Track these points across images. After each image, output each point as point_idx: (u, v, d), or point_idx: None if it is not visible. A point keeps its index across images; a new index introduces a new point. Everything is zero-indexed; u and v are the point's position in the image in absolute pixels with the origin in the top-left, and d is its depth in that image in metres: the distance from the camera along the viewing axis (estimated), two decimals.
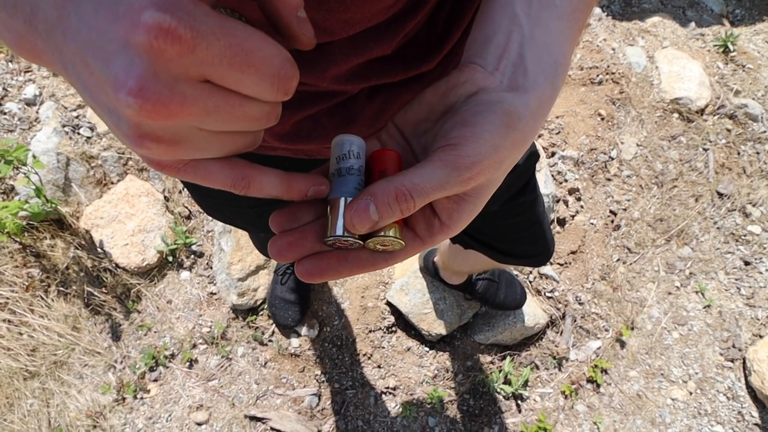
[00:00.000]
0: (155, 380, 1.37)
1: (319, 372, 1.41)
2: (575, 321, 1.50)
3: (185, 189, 1.54)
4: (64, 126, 1.50)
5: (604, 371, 1.48)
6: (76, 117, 1.53)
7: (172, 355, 1.39)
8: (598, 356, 1.49)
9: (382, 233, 0.27)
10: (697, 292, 1.58)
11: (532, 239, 0.73)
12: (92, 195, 1.50)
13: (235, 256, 1.39)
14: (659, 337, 1.53)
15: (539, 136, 1.59)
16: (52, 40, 0.19)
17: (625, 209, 1.62)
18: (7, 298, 1.45)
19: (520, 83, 0.27)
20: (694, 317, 1.54)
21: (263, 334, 1.41)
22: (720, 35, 1.80)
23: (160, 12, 0.16)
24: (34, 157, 1.25)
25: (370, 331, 1.45)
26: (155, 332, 1.42)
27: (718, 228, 1.63)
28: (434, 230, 0.29)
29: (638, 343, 1.53)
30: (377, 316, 1.45)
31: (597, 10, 1.86)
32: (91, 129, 1.53)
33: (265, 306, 1.42)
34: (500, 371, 1.43)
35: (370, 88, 0.43)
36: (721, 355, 1.51)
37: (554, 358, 1.48)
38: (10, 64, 1.58)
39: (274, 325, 1.42)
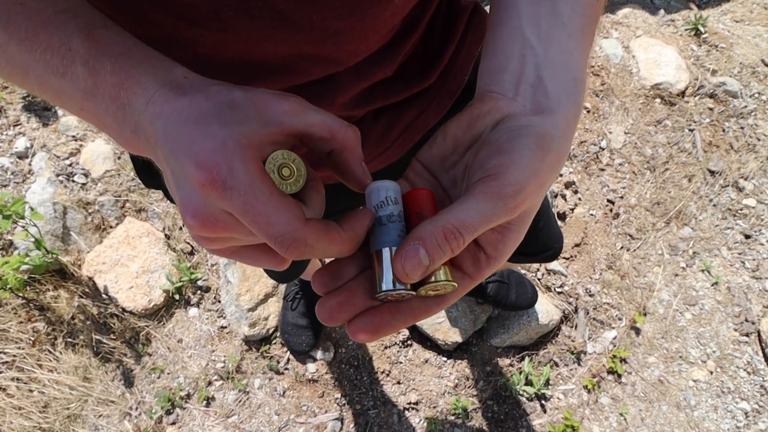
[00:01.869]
0: (173, 423, 1.28)
1: (339, 395, 1.33)
2: (588, 313, 1.43)
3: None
4: (58, 175, 1.43)
5: (623, 360, 1.41)
6: (70, 165, 1.46)
7: (188, 396, 1.30)
8: (615, 346, 1.42)
9: (433, 278, 0.25)
10: (703, 271, 1.52)
11: (541, 235, 0.68)
12: (92, 241, 1.42)
13: (242, 287, 1.31)
14: (672, 320, 1.47)
15: None
16: (150, 151, 0.24)
17: (621, 197, 1.57)
18: (14, 356, 1.36)
19: (543, 105, 0.26)
20: (704, 296, 1.49)
21: (278, 362, 1.33)
22: (690, 19, 1.77)
23: (212, 164, 0.21)
24: (31, 209, 1.18)
25: (386, 347, 1.38)
26: (168, 374, 1.34)
27: (714, 205, 1.59)
28: (481, 265, 0.27)
29: (653, 328, 1.46)
30: None
31: None
32: (86, 175, 1.46)
33: (278, 334, 1.34)
34: (520, 373, 1.35)
35: (374, 111, 0.44)
36: (736, 330, 1.45)
37: (572, 353, 1.41)
38: None
39: (288, 352, 1.34)
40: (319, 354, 1.32)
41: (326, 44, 0.33)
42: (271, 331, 1.34)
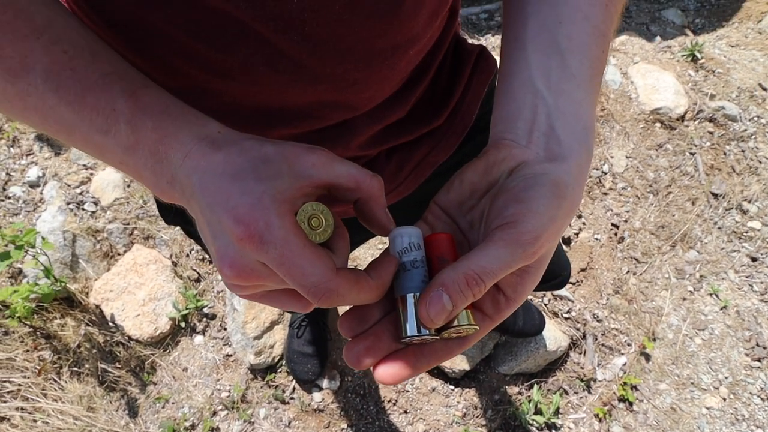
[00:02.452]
0: None
1: (345, 425, 1.30)
2: (596, 339, 1.40)
3: (192, 252, 1.47)
4: (68, 203, 1.44)
5: (634, 388, 1.38)
6: (80, 193, 1.47)
7: (192, 426, 1.27)
8: (625, 373, 1.39)
9: (456, 323, 0.25)
10: (711, 294, 1.49)
11: (549, 264, 0.67)
12: (100, 269, 1.42)
13: (248, 315, 1.30)
14: (683, 345, 1.43)
15: None
16: (185, 201, 0.25)
17: (626, 221, 1.56)
18: (20, 385, 1.34)
19: (556, 153, 0.27)
20: (713, 320, 1.46)
21: (284, 392, 1.30)
22: (686, 45, 1.80)
23: (250, 220, 0.22)
24: (43, 239, 1.18)
25: None
26: (173, 403, 1.31)
27: (719, 228, 1.57)
28: (500, 306, 0.28)
29: (663, 354, 1.43)
30: None
31: None
32: (95, 203, 1.47)
33: (283, 362, 1.32)
34: (530, 401, 1.32)
35: (387, 150, 0.45)
36: (747, 355, 1.41)
37: (582, 380, 1.37)
38: (11, 149, 1.54)
39: (294, 381, 1.32)
40: (325, 383, 1.30)
41: (345, 92, 0.35)
42: (276, 360, 1.32)
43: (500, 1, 2.23)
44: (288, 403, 1.29)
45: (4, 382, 1.34)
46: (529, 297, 1.37)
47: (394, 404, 1.32)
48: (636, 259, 1.53)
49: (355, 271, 0.25)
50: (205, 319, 1.39)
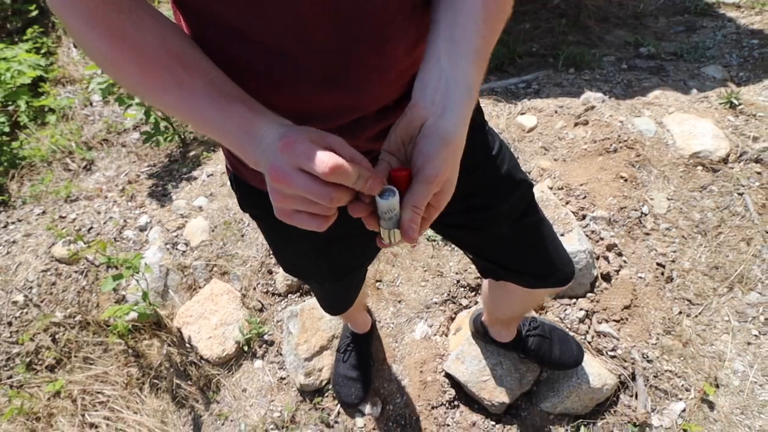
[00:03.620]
0: None
1: None
2: (648, 381, 1.32)
3: (258, 285, 1.67)
4: (166, 244, 1.74)
5: None
6: (176, 236, 1.77)
7: None
8: (685, 420, 1.28)
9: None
10: None
11: (550, 258, 0.75)
12: (184, 298, 1.66)
13: (302, 338, 1.43)
14: (751, 394, 1.30)
15: (567, 203, 1.60)
16: (255, 158, 0.41)
17: (673, 261, 1.52)
18: (109, 396, 1.54)
19: (447, 107, 0.41)
20: None
21: (329, 415, 1.37)
22: (723, 94, 1.83)
23: (287, 136, 0.38)
24: (145, 264, 1.45)
25: (433, 408, 1.36)
26: (231, 421, 1.42)
27: None
28: (431, 211, 0.44)
29: (729, 402, 1.30)
30: (437, 390, 1.37)
31: (599, 94, 1.99)
32: (186, 244, 1.76)
33: (330, 386, 1.40)
34: None
35: None
36: None
37: (635, 425, 1.28)
38: (129, 202, 1.92)
39: (339, 405, 1.38)
40: (367, 408, 1.35)
41: (356, 95, 0.51)
42: (324, 383, 1.41)
43: (536, 72, 2.45)
44: (332, 426, 1.35)
45: (98, 393, 1.55)
46: (565, 326, 1.36)
47: None
48: (689, 301, 1.46)
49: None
50: (264, 345, 1.54)
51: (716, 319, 1.43)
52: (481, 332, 1.26)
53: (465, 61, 0.43)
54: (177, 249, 1.73)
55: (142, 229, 1.79)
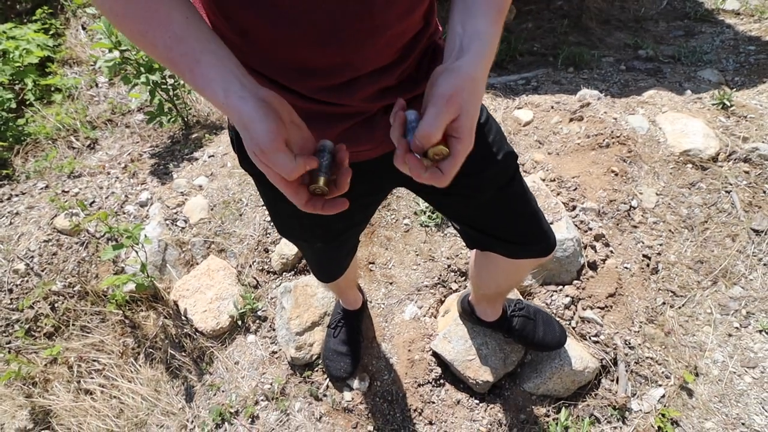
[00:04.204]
0: None
1: (371, 428, 1.34)
2: (629, 366, 1.36)
3: (254, 263, 1.70)
4: (166, 220, 1.78)
5: (675, 423, 1.29)
6: (175, 213, 1.81)
7: (237, 412, 1.40)
8: (664, 406, 1.31)
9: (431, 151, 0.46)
10: (760, 332, 1.40)
11: (533, 226, 0.78)
12: (181, 273, 1.69)
13: (294, 312, 1.46)
14: (730, 383, 1.33)
15: (558, 194, 1.64)
16: (233, 111, 0.44)
17: (659, 253, 1.55)
18: (104, 365, 1.58)
19: (460, 55, 0.46)
20: (764, 358, 1.35)
21: (318, 388, 1.40)
22: (716, 95, 1.87)
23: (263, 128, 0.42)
24: (146, 236, 1.49)
25: (419, 385, 1.40)
26: (223, 391, 1.46)
27: (765, 264, 1.50)
28: (455, 146, 0.46)
29: (708, 390, 1.34)
30: (424, 369, 1.41)
31: (595, 92, 2.03)
32: (186, 221, 1.79)
33: (320, 361, 1.44)
34: (557, 424, 1.29)
35: (384, 107, 0.63)
36: None
37: (614, 408, 1.32)
38: (131, 179, 1.96)
39: (328, 379, 1.42)
40: (355, 383, 1.38)
41: (348, 56, 0.54)
42: (314, 358, 1.44)
43: (536, 70, 2.48)
44: (321, 399, 1.38)
45: (94, 360, 1.59)
46: (550, 311, 1.40)
47: (420, 414, 1.35)
48: (673, 292, 1.50)
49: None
50: (258, 321, 1.58)
51: (699, 311, 1.47)
52: (468, 311, 1.29)
53: (476, 19, 0.47)
54: (176, 225, 1.77)
55: (142, 205, 1.83)
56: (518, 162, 0.78)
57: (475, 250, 1.00)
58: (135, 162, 2.08)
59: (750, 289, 1.47)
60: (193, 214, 1.79)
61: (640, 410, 1.31)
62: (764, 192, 1.59)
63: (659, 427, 1.27)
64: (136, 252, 1.48)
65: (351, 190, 0.49)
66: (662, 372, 1.36)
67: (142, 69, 1.90)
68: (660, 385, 1.34)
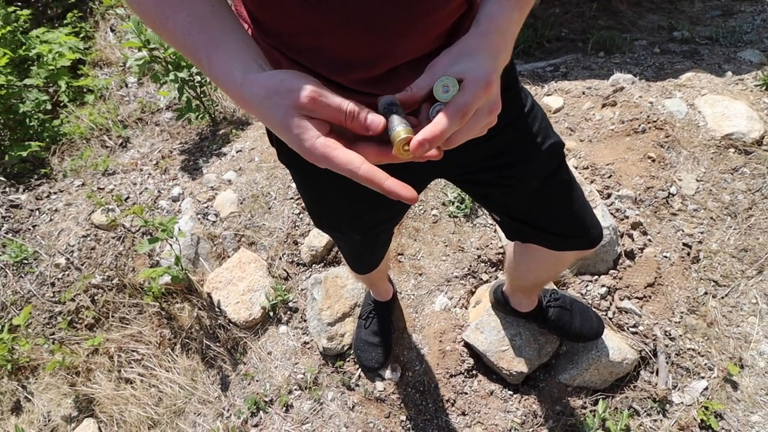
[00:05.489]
0: (256, 425, 1.41)
1: (404, 418, 1.36)
2: (669, 358, 1.33)
3: (284, 255, 1.74)
4: (197, 214, 1.83)
5: (719, 416, 1.25)
6: (206, 207, 1.86)
7: (271, 401, 1.44)
8: (707, 398, 1.28)
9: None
10: None
11: (579, 218, 0.77)
12: (214, 266, 1.74)
13: (325, 303, 1.49)
14: None
15: (591, 182, 1.61)
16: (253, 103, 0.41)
17: (700, 242, 1.51)
18: (143, 355, 1.65)
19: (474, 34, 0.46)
20: None
21: (350, 378, 1.43)
22: (760, 76, 1.79)
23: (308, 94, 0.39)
24: (179, 229, 1.54)
25: (451, 376, 1.40)
26: (257, 381, 1.50)
27: None
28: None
29: (754, 383, 1.29)
30: (456, 359, 1.41)
31: (629, 76, 1.98)
32: (216, 215, 1.84)
33: (351, 351, 1.46)
34: (594, 416, 1.27)
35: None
36: None
37: (654, 401, 1.29)
38: (162, 175, 2.02)
39: (359, 369, 1.44)
40: (387, 373, 1.40)
41: (387, 44, 0.53)
42: (345, 348, 1.46)
43: (565, 56, 2.43)
44: (353, 389, 1.41)
45: (133, 351, 1.65)
46: (586, 302, 1.38)
47: (453, 404, 1.36)
48: (715, 282, 1.45)
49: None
50: (289, 312, 1.61)
51: (743, 301, 1.42)
52: (501, 302, 1.29)
53: (497, 5, 0.47)
54: (207, 219, 1.82)
55: (175, 200, 1.89)
56: (559, 137, 0.76)
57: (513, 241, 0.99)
58: (166, 158, 2.15)
59: None
60: (223, 208, 1.84)
61: (682, 403, 1.28)
62: None
63: (702, 420, 1.24)
64: (171, 245, 1.53)
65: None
66: (705, 364, 1.32)
67: (170, 67, 1.95)
68: (702, 378, 1.30)
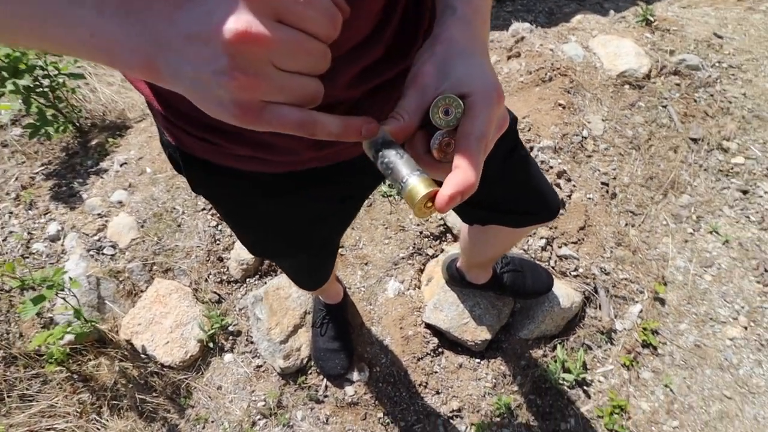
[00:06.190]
0: None
1: (381, 414, 1.33)
2: (608, 291, 1.45)
3: (210, 276, 1.55)
4: (89, 251, 1.54)
5: (655, 332, 1.41)
6: (98, 240, 1.57)
7: None
8: (643, 319, 1.43)
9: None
10: (711, 232, 1.55)
11: (540, 191, 0.75)
12: (125, 307, 1.49)
13: (272, 321, 1.36)
14: (694, 285, 1.47)
15: None
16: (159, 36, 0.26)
17: (614, 178, 1.63)
18: (63, 430, 1.39)
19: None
20: (718, 256, 1.50)
21: (317, 391, 1.35)
22: (638, 12, 1.93)
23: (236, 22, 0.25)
24: (70, 279, 1.26)
25: (419, 359, 1.39)
26: (212, 421, 1.35)
27: (705, 170, 1.64)
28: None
29: (677, 295, 1.47)
30: (420, 342, 1.40)
31: (526, 25, 2.02)
32: (114, 247, 1.56)
33: (312, 363, 1.37)
34: (556, 361, 1.35)
35: (369, 90, 0.52)
36: (758, 282, 1.45)
37: (602, 333, 1.41)
38: (29, 211, 1.65)
39: (325, 379, 1.36)
40: (355, 375, 1.34)
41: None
42: (305, 362, 1.37)
43: None
44: (323, 401, 1.33)
45: (48, 429, 1.38)
46: (530, 256, 1.44)
47: (426, 386, 1.35)
48: (632, 212, 1.59)
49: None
50: (231, 337, 1.45)
51: (656, 225, 1.58)
52: (456, 278, 1.28)
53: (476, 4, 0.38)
54: (104, 254, 1.54)
55: (53, 239, 1.56)
56: (511, 111, 0.71)
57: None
58: (28, 189, 1.75)
59: (696, 195, 1.60)
60: (120, 237, 1.56)
61: (624, 329, 1.41)
62: (695, 101, 1.70)
63: (643, 339, 1.38)
64: (64, 299, 1.26)
65: (337, 193, 0.39)
66: (636, 289, 1.46)
67: (5, 74, 1.55)
68: (637, 302, 1.45)
